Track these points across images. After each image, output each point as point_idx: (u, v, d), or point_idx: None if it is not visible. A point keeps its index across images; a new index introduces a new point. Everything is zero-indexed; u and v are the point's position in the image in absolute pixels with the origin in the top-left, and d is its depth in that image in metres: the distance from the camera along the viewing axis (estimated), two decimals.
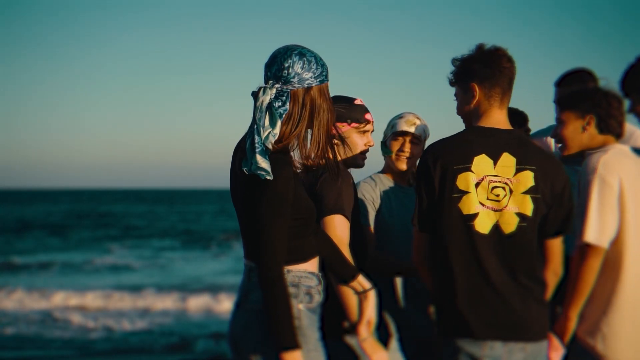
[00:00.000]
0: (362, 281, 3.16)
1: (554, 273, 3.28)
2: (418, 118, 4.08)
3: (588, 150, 3.61)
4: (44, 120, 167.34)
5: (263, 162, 2.74)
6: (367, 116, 3.66)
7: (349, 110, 3.63)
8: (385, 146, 4.11)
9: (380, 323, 3.85)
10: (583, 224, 3.38)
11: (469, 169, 3.15)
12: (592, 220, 3.37)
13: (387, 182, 4.11)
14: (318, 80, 2.90)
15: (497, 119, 3.26)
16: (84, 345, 12.81)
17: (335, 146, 3.37)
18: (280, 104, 2.84)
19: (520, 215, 3.15)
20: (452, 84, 3.35)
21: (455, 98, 3.38)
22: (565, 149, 3.65)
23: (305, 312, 2.87)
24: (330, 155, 2.97)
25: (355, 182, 4.11)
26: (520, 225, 3.15)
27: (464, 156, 3.16)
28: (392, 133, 4.07)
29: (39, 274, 23.11)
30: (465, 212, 3.14)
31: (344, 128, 3.62)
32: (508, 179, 3.16)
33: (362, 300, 3.15)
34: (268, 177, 2.74)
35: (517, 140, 3.22)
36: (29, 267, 24.43)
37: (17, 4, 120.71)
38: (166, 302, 16.60)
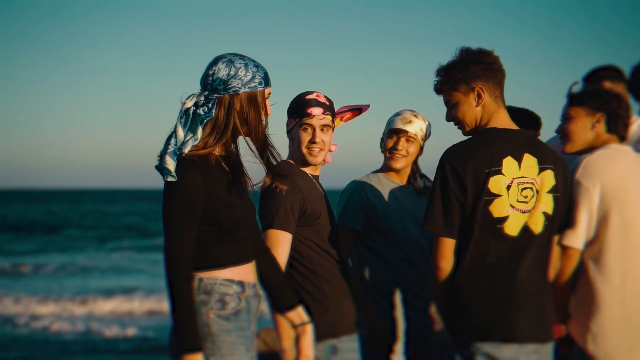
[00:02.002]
0: (300, 313, 3.12)
1: (554, 267, 3.41)
2: (416, 116, 4.01)
3: (590, 148, 3.62)
4: (41, 119, 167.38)
5: (170, 163, 2.78)
6: (311, 110, 3.46)
7: (294, 104, 3.51)
8: (382, 144, 4.07)
9: (388, 326, 3.83)
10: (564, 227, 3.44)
11: (499, 172, 3.15)
12: (568, 222, 3.43)
13: (384, 180, 4.06)
14: (247, 87, 2.88)
15: (505, 119, 3.29)
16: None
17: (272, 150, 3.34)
18: (205, 110, 2.86)
19: (546, 214, 3.20)
20: (449, 89, 3.29)
21: (449, 104, 3.33)
22: (569, 144, 3.64)
23: (215, 319, 2.83)
24: (265, 162, 2.97)
25: (350, 180, 4.11)
26: (545, 225, 3.20)
27: (493, 159, 3.15)
28: (388, 130, 4.03)
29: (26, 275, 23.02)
30: (496, 215, 3.14)
31: (291, 124, 3.52)
32: (533, 179, 3.19)
33: (299, 334, 3.11)
34: (169, 178, 2.78)
35: (531, 141, 3.27)
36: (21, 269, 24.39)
37: (15, 4, 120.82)
38: (153, 304, 16.33)
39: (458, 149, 3.21)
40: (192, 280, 2.80)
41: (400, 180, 4.07)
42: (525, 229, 3.17)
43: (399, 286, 3.94)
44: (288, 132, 3.53)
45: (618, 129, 3.59)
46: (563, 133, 3.67)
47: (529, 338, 3.14)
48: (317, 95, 3.48)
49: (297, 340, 3.11)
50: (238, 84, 2.87)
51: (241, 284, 2.90)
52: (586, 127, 3.60)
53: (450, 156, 3.19)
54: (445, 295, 3.21)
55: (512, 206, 3.14)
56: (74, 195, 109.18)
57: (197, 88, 2.92)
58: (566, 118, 3.66)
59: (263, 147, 2.96)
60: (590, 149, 3.60)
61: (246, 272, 2.94)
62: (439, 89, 3.34)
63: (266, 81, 2.93)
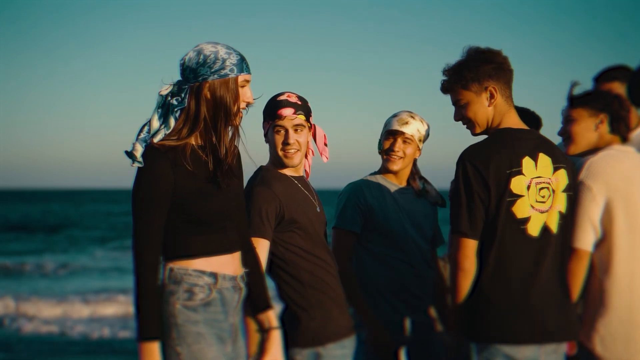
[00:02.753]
0: (271, 318, 3.10)
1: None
2: (413, 117, 3.99)
3: (593, 149, 3.62)
4: (41, 119, 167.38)
5: (138, 150, 2.79)
6: (281, 111, 3.39)
7: (266, 107, 3.45)
8: (379, 145, 4.06)
9: (389, 334, 3.83)
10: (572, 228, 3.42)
11: (520, 172, 3.15)
12: (575, 224, 3.40)
13: (382, 182, 4.04)
14: (217, 74, 2.82)
15: (517, 119, 3.30)
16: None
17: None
18: (178, 100, 2.85)
19: (560, 214, 3.22)
20: (460, 88, 3.26)
21: (459, 104, 3.31)
22: (573, 146, 3.63)
23: (181, 309, 2.82)
24: (223, 153, 2.89)
25: (349, 182, 4.08)
26: (559, 224, 3.22)
27: (513, 159, 3.15)
28: (385, 132, 4.01)
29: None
30: (519, 215, 3.15)
31: (265, 128, 3.46)
32: (549, 178, 3.21)
33: (265, 339, 3.10)
34: (135, 164, 2.79)
35: (542, 140, 3.28)
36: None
37: (14, 3, 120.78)
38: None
39: (477, 149, 3.19)
40: (158, 269, 2.81)
41: (399, 181, 4.06)
42: (545, 229, 3.18)
43: (398, 287, 3.93)
44: (265, 135, 3.49)
45: (621, 130, 3.60)
46: (566, 135, 3.66)
47: (549, 338, 3.15)
48: (287, 96, 3.42)
49: (262, 344, 3.10)
50: (207, 72, 2.82)
51: (214, 275, 2.87)
52: (589, 129, 3.60)
53: (471, 157, 3.16)
54: (466, 295, 3.19)
55: (532, 206, 3.15)
56: (74, 195, 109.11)
57: None
58: (568, 120, 3.65)
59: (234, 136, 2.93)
60: (593, 150, 3.59)
61: (222, 263, 2.90)
62: (447, 88, 3.31)
63: (240, 68, 2.86)
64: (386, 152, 4.00)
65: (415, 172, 4.10)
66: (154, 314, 2.78)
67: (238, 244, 2.98)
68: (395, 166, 3.98)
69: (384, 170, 4.05)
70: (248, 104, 2.91)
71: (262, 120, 3.50)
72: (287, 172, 3.46)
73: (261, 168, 3.46)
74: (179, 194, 2.82)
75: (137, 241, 2.79)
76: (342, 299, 3.45)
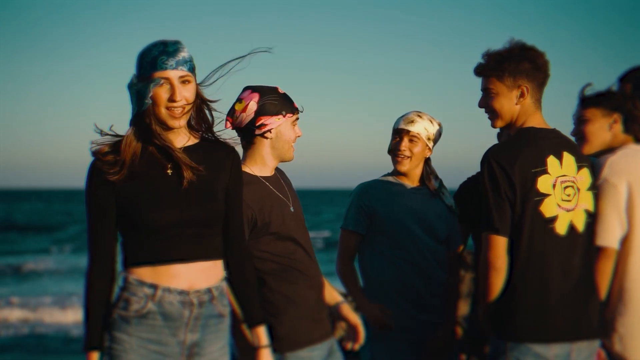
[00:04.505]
0: (259, 335, 2.96)
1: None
2: (420, 116, 3.96)
3: (607, 149, 3.62)
4: (40, 119, 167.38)
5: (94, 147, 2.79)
6: (296, 105, 3.39)
7: (281, 101, 3.34)
8: (389, 146, 4.03)
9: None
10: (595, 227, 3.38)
11: (545, 171, 3.16)
12: (599, 222, 3.37)
13: (392, 183, 4.02)
14: (135, 70, 2.76)
15: (542, 120, 3.29)
16: None
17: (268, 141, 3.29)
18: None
19: (587, 212, 3.23)
20: (494, 77, 3.25)
21: (487, 92, 3.29)
22: (587, 146, 3.63)
23: (116, 319, 2.75)
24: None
25: (358, 184, 4.08)
26: (587, 222, 3.23)
27: (538, 158, 3.16)
28: (392, 132, 4.00)
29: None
30: (547, 214, 3.14)
31: (279, 121, 3.33)
32: (574, 177, 3.21)
33: (256, 356, 2.95)
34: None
35: (566, 139, 3.29)
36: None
37: (14, 3, 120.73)
38: None
39: (502, 148, 3.19)
40: (104, 278, 2.76)
41: (411, 182, 4.03)
42: (572, 228, 3.18)
43: (403, 287, 3.93)
44: (262, 134, 3.34)
45: (634, 129, 3.60)
46: (579, 135, 3.65)
47: (580, 336, 3.15)
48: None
49: None
50: (135, 73, 2.77)
51: (154, 286, 2.73)
52: (603, 128, 3.60)
53: (497, 155, 3.16)
54: (495, 294, 3.18)
55: (558, 205, 3.15)
56: (74, 195, 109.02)
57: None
58: (582, 120, 3.64)
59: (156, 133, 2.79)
60: (607, 150, 3.59)
61: (172, 274, 2.74)
62: (482, 72, 3.30)
63: (153, 66, 2.71)
64: (393, 152, 3.98)
65: (430, 172, 4.06)
66: (93, 326, 2.74)
67: (207, 254, 2.81)
68: (402, 166, 3.96)
69: (395, 171, 4.03)
70: (173, 101, 2.74)
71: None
72: (257, 172, 3.35)
73: None
74: (121, 199, 2.74)
75: (88, 252, 2.78)
76: (315, 303, 3.34)
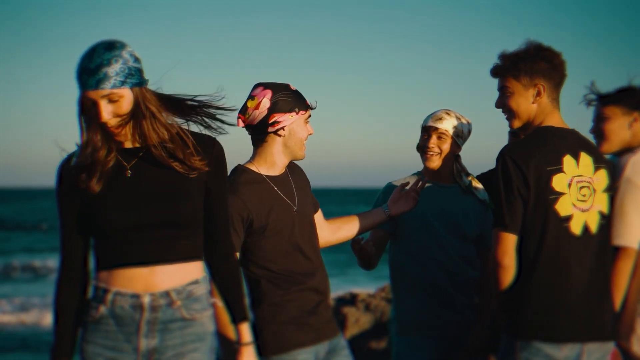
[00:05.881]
0: (244, 332, 2.88)
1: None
2: (448, 113, 3.96)
3: (626, 148, 3.61)
4: (37, 119, 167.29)
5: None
6: (308, 102, 3.36)
7: (294, 98, 3.30)
8: (418, 145, 4.03)
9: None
10: (614, 227, 3.37)
11: (561, 170, 3.14)
12: (620, 222, 3.37)
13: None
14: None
15: (560, 120, 3.28)
16: None
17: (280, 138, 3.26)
18: None
19: (601, 214, 3.20)
20: (511, 77, 3.26)
21: (503, 91, 3.30)
22: (606, 144, 3.63)
23: (83, 326, 2.73)
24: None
25: (388, 182, 4.08)
26: (600, 224, 3.20)
27: (554, 157, 3.14)
28: (421, 130, 4.00)
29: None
30: (563, 213, 3.12)
31: (292, 118, 3.29)
32: (590, 178, 3.19)
33: (237, 353, 2.88)
34: None
35: (584, 139, 3.27)
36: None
37: (10, 2, 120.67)
38: None
39: (518, 146, 3.19)
40: (69, 285, 2.72)
41: (441, 179, 4.02)
42: (586, 229, 3.16)
43: (428, 284, 3.94)
44: (275, 131, 3.30)
45: None
46: (598, 133, 3.65)
47: (591, 337, 3.13)
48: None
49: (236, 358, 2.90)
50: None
51: (105, 290, 2.68)
52: (623, 127, 3.59)
53: (512, 153, 3.15)
54: (506, 292, 3.17)
55: (573, 205, 3.14)
56: None
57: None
58: (601, 118, 3.64)
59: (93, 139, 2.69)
60: (626, 149, 3.58)
61: (127, 278, 2.67)
62: (498, 72, 3.30)
63: (78, 84, 2.61)
64: (422, 149, 3.98)
65: (460, 169, 4.05)
66: (58, 335, 2.71)
67: (173, 256, 2.70)
68: (431, 163, 3.95)
69: (424, 168, 4.03)
70: (103, 126, 2.64)
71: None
72: (264, 171, 3.33)
73: (236, 169, 3.35)
74: (83, 203, 2.69)
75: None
76: (306, 307, 3.29)
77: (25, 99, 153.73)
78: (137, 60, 2.66)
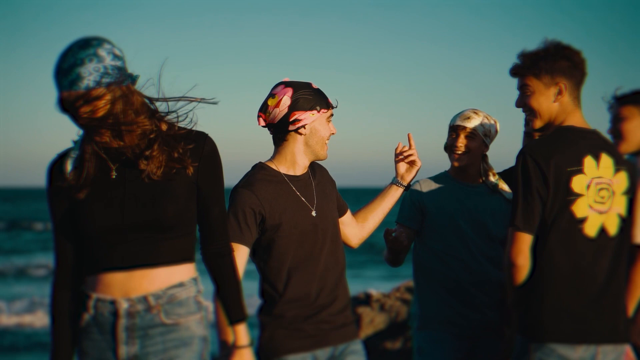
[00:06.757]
0: (239, 333, 2.79)
1: None
2: (476, 113, 3.97)
3: None
4: (34, 118, 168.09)
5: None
6: (330, 101, 3.32)
7: (316, 96, 3.25)
8: (445, 144, 4.03)
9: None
10: (635, 225, 3.33)
11: (581, 171, 3.11)
12: (638, 221, 3.33)
13: (448, 179, 4.03)
14: None
15: (582, 119, 3.24)
16: None
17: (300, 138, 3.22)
18: None
19: (620, 216, 3.17)
20: (531, 76, 3.22)
21: (524, 90, 3.26)
22: (625, 144, 3.62)
23: (79, 334, 2.67)
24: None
25: (414, 181, 4.01)
26: (620, 227, 3.17)
27: (574, 158, 3.11)
28: (448, 129, 4.00)
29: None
30: (579, 215, 3.09)
31: (313, 116, 3.24)
32: (610, 179, 3.15)
33: (230, 355, 2.81)
34: None
35: (605, 140, 3.23)
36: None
37: (6, 1, 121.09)
38: None
39: (539, 145, 3.15)
40: (64, 289, 2.67)
41: (468, 179, 4.02)
42: (603, 231, 3.13)
43: (452, 284, 3.93)
44: (296, 129, 3.26)
45: None
46: (616, 133, 3.64)
47: (605, 339, 3.10)
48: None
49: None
50: None
51: (88, 296, 2.63)
52: None
53: (532, 152, 3.12)
54: (520, 293, 3.16)
55: (590, 206, 3.11)
56: None
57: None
58: (618, 118, 3.63)
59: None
60: None
61: (106, 283, 2.61)
62: (518, 72, 3.26)
63: (55, 84, 2.50)
64: (449, 148, 3.98)
65: (488, 169, 4.04)
66: (54, 342, 2.67)
67: (155, 259, 2.62)
68: (459, 162, 3.95)
69: (452, 168, 4.04)
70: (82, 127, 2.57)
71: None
72: (284, 170, 3.29)
73: (255, 165, 3.32)
74: (69, 206, 2.64)
75: None
76: (303, 314, 3.23)
77: (22, 99, 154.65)
78: (116, 57, 2.51)
